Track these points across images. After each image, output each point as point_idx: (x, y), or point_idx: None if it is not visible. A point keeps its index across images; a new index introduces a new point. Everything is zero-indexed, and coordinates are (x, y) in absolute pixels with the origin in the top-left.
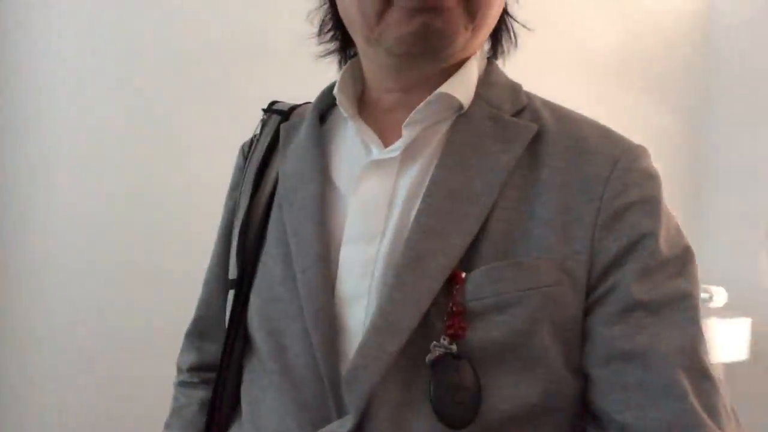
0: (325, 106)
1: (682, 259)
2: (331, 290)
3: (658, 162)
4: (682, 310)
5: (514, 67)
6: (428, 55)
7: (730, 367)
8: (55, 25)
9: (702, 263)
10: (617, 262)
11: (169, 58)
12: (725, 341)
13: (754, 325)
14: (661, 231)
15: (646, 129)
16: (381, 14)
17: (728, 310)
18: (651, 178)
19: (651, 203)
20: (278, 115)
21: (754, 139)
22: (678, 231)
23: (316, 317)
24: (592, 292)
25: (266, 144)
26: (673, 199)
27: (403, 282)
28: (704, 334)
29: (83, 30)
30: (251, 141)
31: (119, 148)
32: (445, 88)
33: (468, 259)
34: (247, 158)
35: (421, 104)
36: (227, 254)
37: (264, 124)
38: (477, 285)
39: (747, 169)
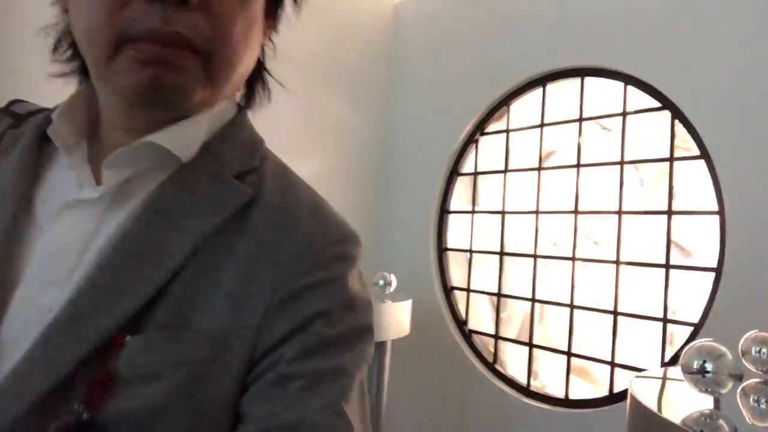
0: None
1: (352, 338)
2: None
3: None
4: (335, 386)
5: None
6: (160, 106)
7: (397, 341)
8: None
9: (383, 253)
10: (281, 342)
11: None
12: (394, 319)
13: (414, 304)
14: (334, 312)
15: (342, 129)
16: (111, 59)
17: (398, 293)
18: (342, 260)
19: (331, 284)
20: (11, 117)
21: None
22: (358, 310)
23: None
24: (252, 372)
25: None
26: (365, 198)
27: (49, 341)
28: (354, 410)
29: None
30: None
31: None
32: (155, 137)
33: (138, 322)
34: None
35: (122, 148)
36: None
37: None
38: (133, 352)
39: (424, 168)
